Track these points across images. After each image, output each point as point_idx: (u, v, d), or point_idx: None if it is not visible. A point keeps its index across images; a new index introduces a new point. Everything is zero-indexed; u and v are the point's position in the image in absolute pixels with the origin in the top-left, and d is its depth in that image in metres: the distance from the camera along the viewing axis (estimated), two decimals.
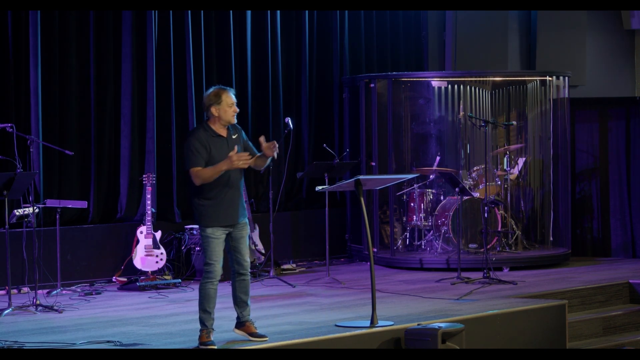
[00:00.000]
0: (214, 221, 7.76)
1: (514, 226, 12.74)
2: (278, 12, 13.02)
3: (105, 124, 11.65)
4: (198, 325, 7.83)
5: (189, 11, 12.08)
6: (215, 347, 7.72)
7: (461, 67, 14.30)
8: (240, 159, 7.68)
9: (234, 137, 7.95)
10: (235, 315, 8.05)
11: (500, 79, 13.12)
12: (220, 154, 7.76)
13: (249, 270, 7.98)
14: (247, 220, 8.02)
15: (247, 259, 7.97)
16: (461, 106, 13.02)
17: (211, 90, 7.94)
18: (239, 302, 7.96)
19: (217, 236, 7.77)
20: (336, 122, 13.67)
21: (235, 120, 7.96)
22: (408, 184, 12.82)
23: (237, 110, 7.97)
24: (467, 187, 11.98)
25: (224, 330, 8.42)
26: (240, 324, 8.01)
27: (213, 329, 7.85)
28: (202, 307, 7.78)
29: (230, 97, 7.90)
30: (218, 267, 7.76)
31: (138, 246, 11.11)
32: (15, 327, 8.71)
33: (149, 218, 11.09)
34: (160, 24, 11.93)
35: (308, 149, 13.35)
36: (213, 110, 7.85)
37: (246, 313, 7.98)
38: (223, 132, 7.91)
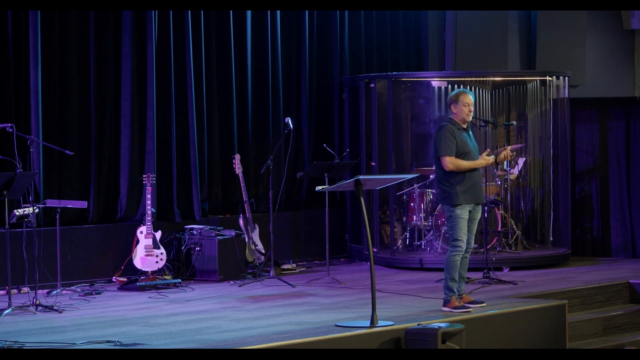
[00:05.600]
0: (465, 201, 9.10)
1: (514, 226, 12.74)
2: (278, 12, 13.02)
3: (105, 124, 11.65)
4: (198, 325, 7.81)
5: (189, 11, 12.08)
6: (471, 310, 9.03)
7: (461, 67, 14.30)
8: (492, 159, 9.37)
9: (470, 132, 9.39)
10: None
11: (500, 79, 13.12)
12: (464, 144, 9.19)
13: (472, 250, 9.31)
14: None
15: (473, 240, 9.27)
16: None
17: (454, 91, 9.39)
18: (461, 277, 9.20)
19: (465, 215, 9.10)
20: (336, 122, 13.68)
21: (470, 119, 9.28)
22: (408, 184, 12.82)
23: (471, 110, 9.26)
24: None
25: (224, 330, 8.45)
26: (459, 296, 9.17)
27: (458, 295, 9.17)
28: (451, 276, 9.09)
29: (467, 98, 9.24)
30: (465, 242, 9.09)
31: (138, 246, 11.11)
32: (15, 327, 8.71)
33: (149, 218, 11.09)
34: (160, 24, 11.93)
35: (308, 149, 13.35)
36: (452, 107, 9.29)
37: (463, 287, 9.29)
38: (464, 127, 9.30)
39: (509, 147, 9.84)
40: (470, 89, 12.98)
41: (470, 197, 9.16)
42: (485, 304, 9.28)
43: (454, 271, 9.12)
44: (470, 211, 9.17)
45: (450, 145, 9.15)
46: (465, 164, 9.15)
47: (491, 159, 9.35)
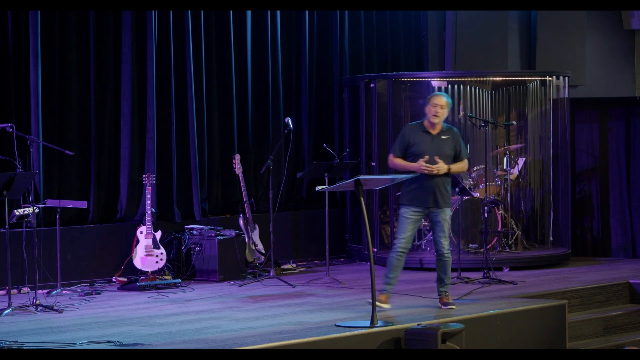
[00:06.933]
0: (408, 202, 9.17)
1: (514, 226, 12.73)
2: (278, 12, 13.02)
3: (105, 124, 11.65)
4: (198, 325, 7.83)
5: (189, 11, 12.08)
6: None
7: (461, 67, 14.30)
8: (426, 168, 9.05)
9: (443, 137, 9.21)
10: None
11: (500, 79, 13.12)
12: (420, 147, 9.13)
13: (446, 252, 9.27)
14: (447, 209, 9.23)
15: (443, 242, 9.23)
16: (461, 106, 13.01)
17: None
18: (437, 278, 9.35)
19: (409, 216, 9.17)
20: (336, 122, 13.67)
21: (435, 120, 9.16)
22: None
23: (438, 112, 9.13)
24: (467, 187, 11.97)
25: (224, 330, 8.45)
26: (439, 296, 9.37)
27: (389, 294, 9.27)
28: (385, 272, 9.24)
29: (436, 99, 9.19)
30: (403, 242, 9.15)
31: (138, 246, 11.11)
32: (15, 327, 8.71)
33: (149, 218, 11.09)
34: (160, 24, 11.93)
35: (308, 149, 13.35)
36: (425, 108, 9.24)
37: (442, 287, 9.33)
38: (432, 130, 9.23)
39: (440, 165, 9.14)
40: (470, 89, 13.00)
41: (414, 199, 9.18)
42: (455, 307, 9.25)
43: (389, 269, 9.26)
44: (426, 214, 9.23)
45: (399, 145, 9.26)
46: (400, 164, 9.24)
47: (430, 168, 9.01)
